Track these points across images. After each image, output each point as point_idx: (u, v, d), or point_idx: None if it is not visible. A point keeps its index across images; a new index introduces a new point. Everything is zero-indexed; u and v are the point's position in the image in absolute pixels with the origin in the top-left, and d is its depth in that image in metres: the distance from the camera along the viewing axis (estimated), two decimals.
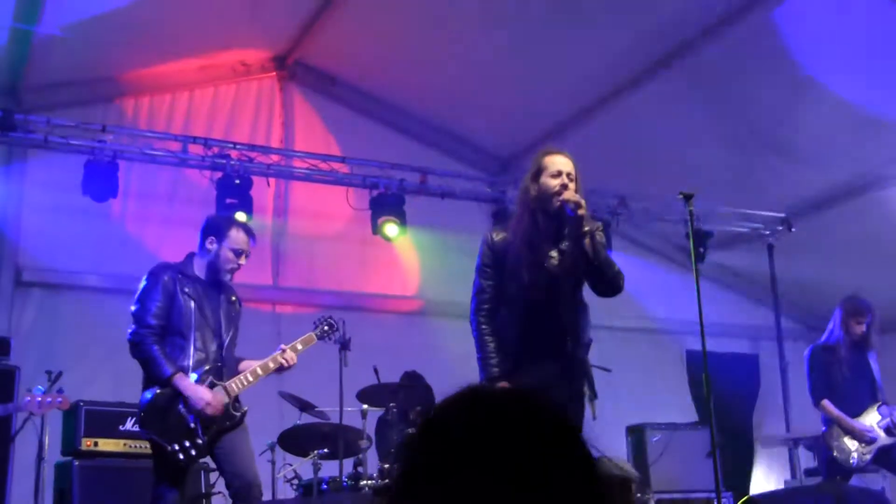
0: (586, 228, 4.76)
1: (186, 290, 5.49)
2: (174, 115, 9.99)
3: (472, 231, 10.97)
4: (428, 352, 9.84)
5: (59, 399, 6.30)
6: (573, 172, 4.93)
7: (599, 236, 4.85)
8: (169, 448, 5.22)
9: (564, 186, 4.85)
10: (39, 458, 6.32)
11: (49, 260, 9.11)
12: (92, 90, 9.62)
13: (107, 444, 6.78)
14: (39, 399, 6.20)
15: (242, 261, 5.65)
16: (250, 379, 5.52)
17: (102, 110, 9.62)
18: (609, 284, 4.90)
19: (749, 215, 10.86)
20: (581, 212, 4.73)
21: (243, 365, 5.67)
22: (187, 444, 5.24)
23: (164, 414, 5.28)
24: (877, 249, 10.32)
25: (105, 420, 6.81)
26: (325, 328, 6.23)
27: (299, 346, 5.78)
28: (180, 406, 5.29)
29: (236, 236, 5.62)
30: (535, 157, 5.15)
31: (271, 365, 5.60)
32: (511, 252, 5.03)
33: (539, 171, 4.98)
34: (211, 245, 5.61)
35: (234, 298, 5.76)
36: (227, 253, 5.59)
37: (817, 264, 11.29)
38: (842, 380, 7.11)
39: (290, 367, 5.69)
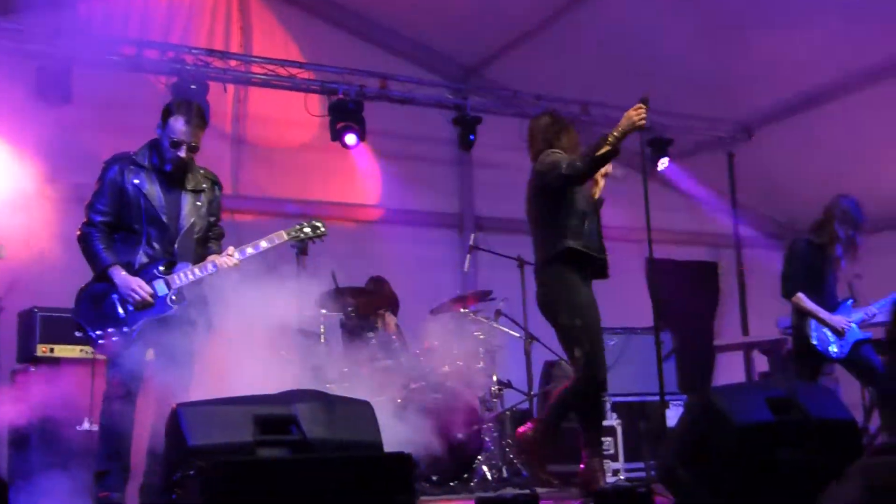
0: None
1: (136, 181, 5.21)
2: (129, 20, 9.77)
3: (433, 139, 10.98)
4: (388, 259, 9.85)
5: None
6: None
7: None
8: (91, 334, 5.10)
9: None
10: None
11: None
12: None
13: (63, 351, 6.76)
14: None
15: (182, 153, 5.25)
16: (197, 273, 5.27)
17: (54, 14, 9.40)
18: None
19: (710, 122, 10.87)
20: None
21: (209, 259, 5.38)
22: (111, 330, 5.08)
23: (96, 302, 5.15)
24: (837, 158, 10.39)
25: (61, 326, 6.76)
26: (307, 230, 5.80)
27: (263, 244, 5.47)
28: (113, 295, 5.13)
29: (174, 125, 5.23)
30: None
31: (210, 268, 5.29)
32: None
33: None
34: (157, 131, 5.30)
35: (203, 186, 5.42)
36: (164, 142, 5.25)
37: (777, 173, 11.36)
38: (823, 276, 7.11)
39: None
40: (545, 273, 5.82)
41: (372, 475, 3.62)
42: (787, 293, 7.10)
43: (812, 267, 7.08)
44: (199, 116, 5.35)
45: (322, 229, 5.87)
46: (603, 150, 5.42)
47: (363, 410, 4.05)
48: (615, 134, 5.41)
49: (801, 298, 6.98)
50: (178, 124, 5.23)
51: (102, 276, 5.17)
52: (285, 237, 5.68)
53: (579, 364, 5.76)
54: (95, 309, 5.16)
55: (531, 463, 6.29)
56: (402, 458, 3.72)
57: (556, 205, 5.75)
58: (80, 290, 5.27)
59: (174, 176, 5.33)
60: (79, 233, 5.27)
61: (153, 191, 5.25)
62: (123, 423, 5.10)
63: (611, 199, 10.39)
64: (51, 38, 8.28)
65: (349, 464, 3.64)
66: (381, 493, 3.59)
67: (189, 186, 5.38)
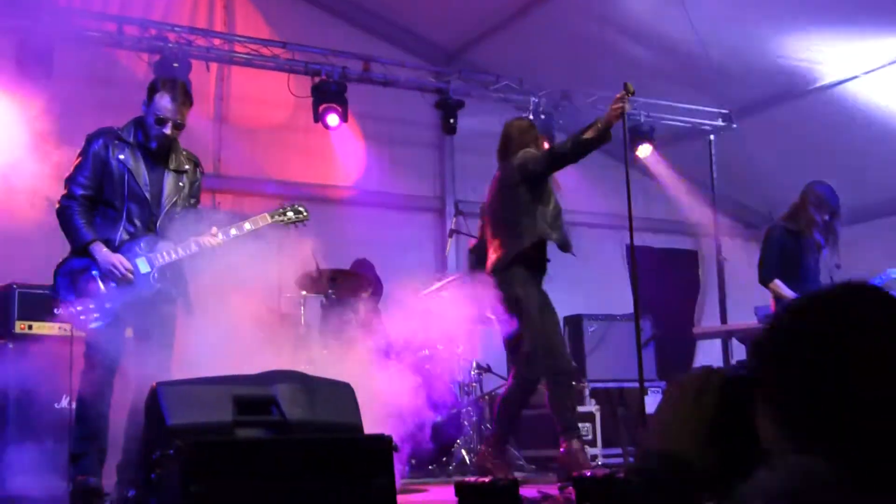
0: None
1: (121, 157, 5.17)
2: None
3: (415, 122, 10.95)
4: (368, 241, 9.83)
5: None
6: None
7: None
8: (70, 310, 5.07)
9: None
10: None
11: None
12: None
13: (41, 328, 6.68)
14: None
15: (168, 130, 5.22)
16: (180, 252, 5.23)
17: None
18: None
19: (692, 111, 10.87)
20: None
21: (192, 238, 5.32)
22: (91, 307, 5.05)
23: (75, 278, 5.11)
24: (817, 149, 10.42)
25: (40, 303, 6.67)
26: (290, 213, 5.72)
27: (247, 226, 5.43)
28: (93, 271, 5.09)
29: (159, 102, 5.20)
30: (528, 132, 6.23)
31: (193, 247, 5.26)
32: None
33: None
34: (143, 108, 5.26)
35: (186, 167, 5.39)
36: (149, 119, 5.22)
37: (758, 163, 11.39)
38: (801, 263, 7.11)
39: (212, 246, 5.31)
40: (506, 272, 5.90)
41: (351, 457, 3.62)
42: (763, 279, 7.11)
43: (788, 253, 7.09)
44: (185, 94, 5.33)
45: (305, 213, 5.80)
46: (588, 135, 5.51)
47: (343, 392, 4.04)
48: (599, 124, 5.49)
49: (779, 285, 7.00)
50: (164, 101, 5.21)
51: (82, 252, 5.11)
52: (269, 220, 5.63)
53: (524, 361, 5.83)
54: (74, 285, 5.12)
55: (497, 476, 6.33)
56: (381, 441, 3.72)
57: (535, 198, 5.82)
58: (58, 265, 5.21)
59: (158, 154, 5.30)
60: (58, 206, 5.21)
61: (138, 167, 5.22)
62: (101, 401, 5.07)
63: (592, 187, 10.48)
64: (32, 12, 8.17)
65: (329, 445, 3.63)
66: (360, 475, 3.59)
67: (172, 166, 5.36)
